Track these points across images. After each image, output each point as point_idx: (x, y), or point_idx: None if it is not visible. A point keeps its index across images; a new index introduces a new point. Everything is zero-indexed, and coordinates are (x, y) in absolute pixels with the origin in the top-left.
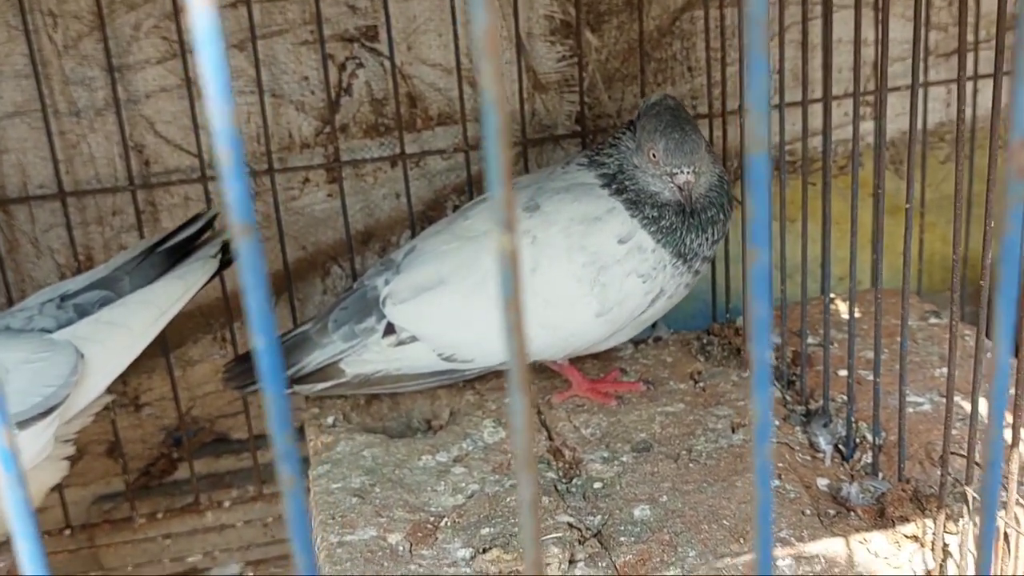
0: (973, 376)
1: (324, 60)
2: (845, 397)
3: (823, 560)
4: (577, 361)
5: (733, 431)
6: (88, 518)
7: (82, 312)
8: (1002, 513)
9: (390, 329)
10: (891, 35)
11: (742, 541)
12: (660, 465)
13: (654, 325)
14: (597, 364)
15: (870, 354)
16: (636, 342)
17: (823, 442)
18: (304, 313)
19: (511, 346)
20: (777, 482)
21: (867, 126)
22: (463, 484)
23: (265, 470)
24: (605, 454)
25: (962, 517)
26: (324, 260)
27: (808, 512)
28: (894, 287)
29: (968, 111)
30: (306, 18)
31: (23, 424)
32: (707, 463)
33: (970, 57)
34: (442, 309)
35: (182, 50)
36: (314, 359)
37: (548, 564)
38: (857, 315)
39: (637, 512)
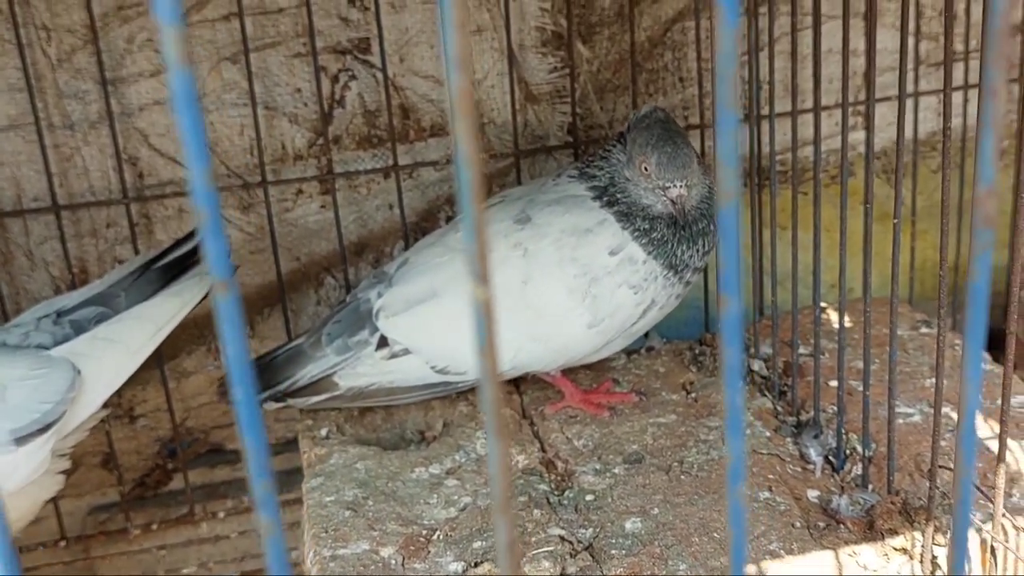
0: (962, 385)
1: (317, 72)
2: (836, 408)
3: (812, 573)
4: (570, 372)
5: (724, 443)
6: (83, 529)
7: (79, 328)
8: (989, 526)
9: (383, 342)
10: (881, 45)
11: None
12: (652, 477)
13: (647, 335)
14: (590, 375)
15: (861, 364)
16: (629, 352)
17: (814, 453)
18: (298, 324)
19: (486, 393)
20: (767, 494)
21: (858, 136)
22: (456, 497)
23: None
24: (597, 466)
25: (951, 529)
26: (318, 271)
27: (798, 524)
28: (885, 296)
29: (959, 120)
30: (299, 30)
31: (21, 440)
32: (698, 475)
33: (960, 67)
34: (435, 322)
35: None
36: (308, 372)
37: None
38: (848, 324)
39: (628, 525)
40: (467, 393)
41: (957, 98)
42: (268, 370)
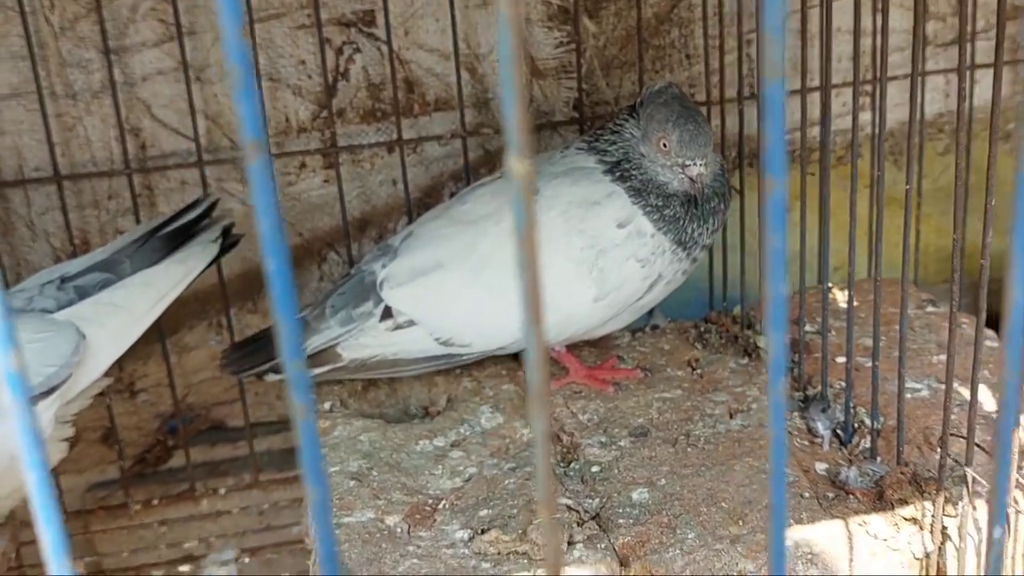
0: (974, 360)
1: (321, 44)
2: (843, 383)
3: (822, 542)
4: (574, 348)
5: (731, 417)
6: (83, 505)
7: (83, 293)
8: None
9: (387, 313)
10: (890, 24)
11: (741, 523)
12: (658, 450)
13: (651, 313)
14: (595, 352)
15: (867, 341)
16: (634, 330)
17: (821, 427)
18: (301, 300)
19: (526, 282)
20: None
21: (865, 117)
22: (461, 468)
23: (261, 458)
24: (603, 439)
25: (961, 500)
26: (320, 247)
27: (807, 495)
28: (890, 277)
29: (965, 103)
30: (303, 2)
31: None
32: (705, 448)
33: (967, 48)
34: (440, 293)
35: (179, 33)
36: (311, 344)
37: None
38: (855, 304)
39: (635, 495)
40: (471, 368)
41: (967, 77)
42: (270, 342)
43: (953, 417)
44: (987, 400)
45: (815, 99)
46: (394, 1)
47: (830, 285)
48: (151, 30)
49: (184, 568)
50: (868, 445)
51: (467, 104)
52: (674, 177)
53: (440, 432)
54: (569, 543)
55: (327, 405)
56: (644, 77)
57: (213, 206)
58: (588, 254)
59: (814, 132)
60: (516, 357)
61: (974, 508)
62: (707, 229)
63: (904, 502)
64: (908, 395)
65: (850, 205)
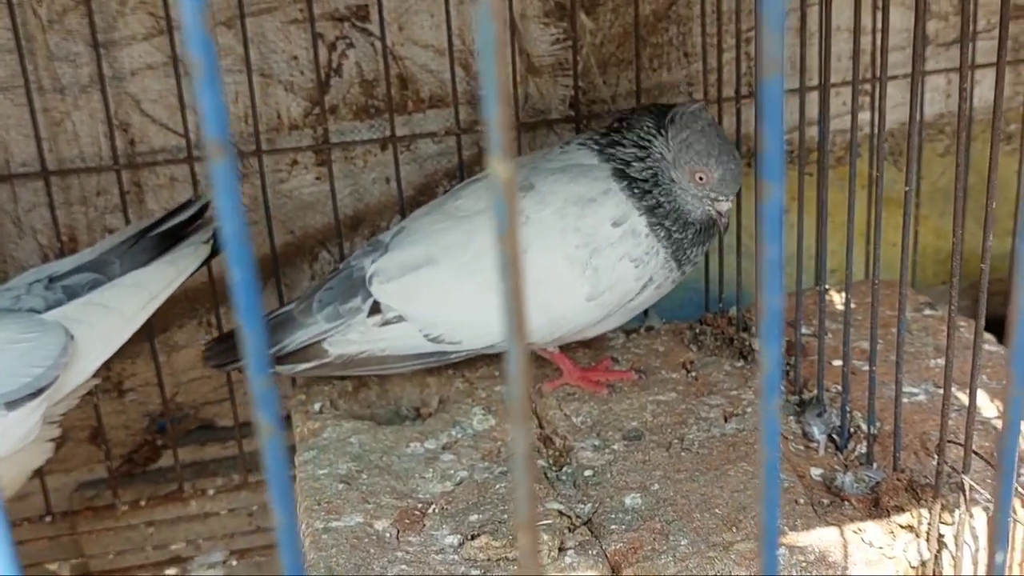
0: (972, 365)
1: (314, 39)
2: (839, 387)
3: (816, 549)
4: (568, 350)
5: (725, 420)
6: (70, 505)
7: (71, 294)
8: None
9: (376, 309)
10: (891, 23)
11: (735, 529)
12: (651, 454)
13: (646, 314)
14: (588, 353)
15: (865, 344)
16: (628, 331)
17: (817, 432)
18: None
19: (506, 285)
20: None
21: (864, 116)
22: (451, 471)
23: (250, 458)
24: (596, 442)
25: (957, 507)
26: (312, 245)
27: (801, 501)
28: (887, 279)
29: (964, 103)
30: None
31: (11, 405)
32: (699, 452)
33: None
34: (430, 288)
35: (169, 27)
36: (297, 338)
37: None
38: (852, 306)
39: (628, 500)
40: (463, 370)
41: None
42: None
43: (950, 423)
44: (985, 406)
45: (813, 98)
46: None
47: (827, 287)
48: (140, 24)
49: (171, 571)
50: (864, 450)
51: (462, 101)
52: (700, 207)
53: (431, 434)
54: (560, 549)
55: (317, 406)
56: (641, 75)
57: (205, 207)
58: (582, 252)
59: (812, 132)
60: None
61: (971, 516)
62: (703, 250)
63: (900, 509)
64: (905, 400)
65: (848, 206)
